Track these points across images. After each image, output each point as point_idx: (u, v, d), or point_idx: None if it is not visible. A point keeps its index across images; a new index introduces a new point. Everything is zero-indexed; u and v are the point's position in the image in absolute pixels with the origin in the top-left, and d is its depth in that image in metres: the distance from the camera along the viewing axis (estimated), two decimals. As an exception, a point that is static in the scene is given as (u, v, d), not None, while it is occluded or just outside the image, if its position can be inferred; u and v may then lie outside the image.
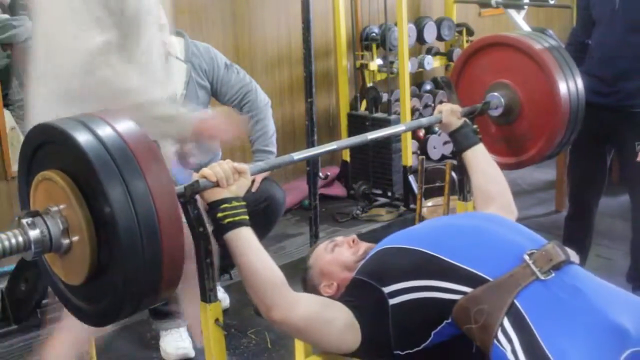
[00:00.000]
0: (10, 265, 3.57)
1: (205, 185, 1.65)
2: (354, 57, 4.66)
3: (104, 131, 1.46)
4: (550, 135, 2.43)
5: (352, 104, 4.66)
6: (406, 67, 4.36)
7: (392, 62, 4.49)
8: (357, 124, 4.53)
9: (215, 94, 3.16)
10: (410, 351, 1.74)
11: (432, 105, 4.88)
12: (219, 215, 1.65)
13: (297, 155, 1.89)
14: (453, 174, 3.30)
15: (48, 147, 1.52)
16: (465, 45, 5.03)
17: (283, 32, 4.51)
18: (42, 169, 1.51)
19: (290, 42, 4.53)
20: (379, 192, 4.57)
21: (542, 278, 1.61)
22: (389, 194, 4.52)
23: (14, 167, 3.63)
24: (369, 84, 4.63)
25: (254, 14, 4.38)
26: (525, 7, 4.95)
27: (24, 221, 1.45)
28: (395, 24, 4.42)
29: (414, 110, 4.70)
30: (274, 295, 1.68)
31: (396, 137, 4.37)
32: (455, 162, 2.88)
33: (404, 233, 1.87)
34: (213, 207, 1.66)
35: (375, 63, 4.61)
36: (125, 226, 1.40)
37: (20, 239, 1.45)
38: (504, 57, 2.49)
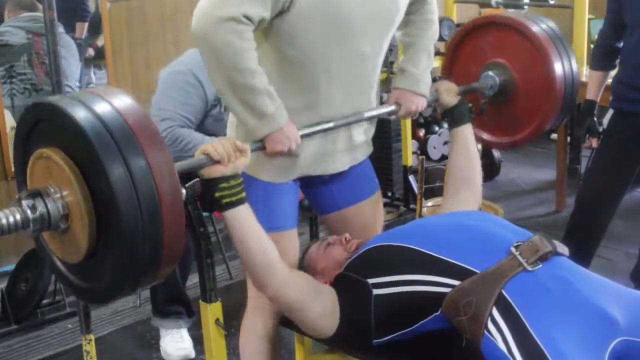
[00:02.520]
0: (10, 265, 3.57)
1: (205, 163, 1.66)
2: (354, 57, 4.65)
3: (103, 108, 1.43)
4: (544, 116, 2.44)
5: (352, 104, 4.65)
6: (406, 67, 4.35)
7: (392, 62, 4.49)
8: (357, 124, 4.53)
9: None
10: (391, 336, 1.77)
11: (432, 105, 4.87)
12: (217, 195, 1.66)
13: (300, 132, 1.88)
14: (453, 174, 3.30)
15: (45, 124, 1.50)
16: (465, 45, 5.04)
17: (283, 32, 4.51)
18: (40, 147, 1.49)
19: (290, 42, 4.53)
20: (379, 192, 4.57)
21: (529, 269, 1.64)
22: (389, 194, 4.51)
23: (14, 167, 3.62)
24: (369, 84, 4.63)
25: (254, 14, 4.38)
26: (526, 7, 4.95)
27: (24, 202, 1.44)
28: (396, 24, 4.41)
29: (414, 110, 4.69)
30: (267, 276, 1.77)
31: (396, 137, 4.37)
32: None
33: (390, 232, 1.91)
34: (211, 184, 1.67)
35: (375, 63, 4.60)
36: (125, 205, 1.37)
37: (19, 217, 1.44)
38: (499, 36, 2.49)
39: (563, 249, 1.73)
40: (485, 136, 2.61)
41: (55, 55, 2.64)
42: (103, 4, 3.79)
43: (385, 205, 4.48)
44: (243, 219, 1.71)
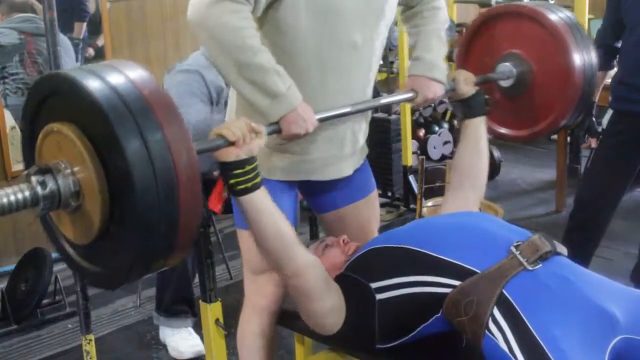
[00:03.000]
0: (10, 266, 3.57)
1: (220, 145, 1.60)
2: (354, 57, 4.65)
3: (118, 80, 1.34)
4: (562, 107, 2.35)
5: (352, 104, 4.65)
6: (406, 67, 4.35)
7: (392, 62, 4.49)
8: (357, 124, 4.53)
9: None
10: (395, 343, 1.76)
11: (432, 105, 4.87)
12: (232, 181, 1.61)
13: (317, 116, 1.84)
14: (453, 174, 3.30)
15: (56, 97, 1.41)
16: (466, 45, 5.03)
17: (283, 32, 4.51)
18: (50, 122, 1.40)
19: (290, 42, 4.53)
20: (379, 192, 4.55)
21: (530, 268, 1.64)
22: (389, 194, 4.51)
23: (14, 167, 3.63)
24: (369, 84, 4.63)
25: (254, 13, 4.38)
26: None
27: (34, 178, 1.36)
28: (396, 24, 4.41)
29: (414, 110, 4.69)
30: (284, 259, 1.72)
31: (396, 137, 4.37)
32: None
33: (390, 234, 1.90)
34: (226, 168, 1.61)
35: (375, 63, 4.60)
36: (141, 181, 1.29)
37: (28, 194, 1.35)
38: (516, 26, 2.41)
39: (562, 249, 1.74)
40: (504, 130, 2.51)
41: (56, 55, 2.64)
42: (103, 4, 3.79)
43: (385, 205, 4.49)
44: (259, 204, 1.65)
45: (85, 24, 3.78)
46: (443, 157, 4.83)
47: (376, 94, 4.51)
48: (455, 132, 4.86)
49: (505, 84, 2.39)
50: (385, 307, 1.74)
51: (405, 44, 4.33)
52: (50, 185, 1.35)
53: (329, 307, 1.76)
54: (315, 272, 1.75)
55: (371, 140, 4.78)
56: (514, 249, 1.67)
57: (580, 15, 4.22)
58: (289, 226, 1.72)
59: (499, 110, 2.39)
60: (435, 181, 3.58)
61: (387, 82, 4.51)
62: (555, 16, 2.34)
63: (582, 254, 2.89)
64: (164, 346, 3.07)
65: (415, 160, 4.37)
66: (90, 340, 2.38)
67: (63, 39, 3.59)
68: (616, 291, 1.69)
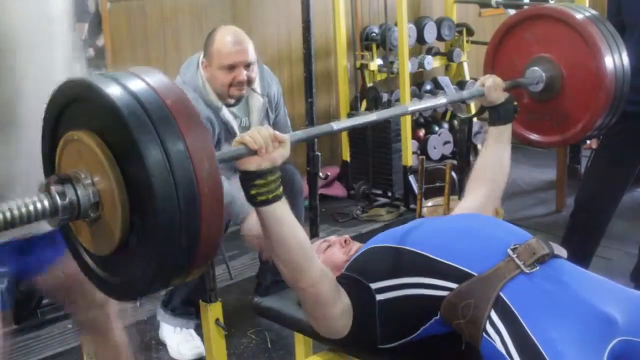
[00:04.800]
0: (10, 265, 3.57)
1: (243, 153, 1.56)
2: (354, 57, 4.66)
3: (140, 87, 1.32)
4: (594, 111, 2.30)
5: (352, 104, 4.65)
6: (406, 67, 4.36)
7: (392, 62, 4.49)
8: (357, 124, 4.53)
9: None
10: (395, 344, 1.77)
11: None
12: (252, 192, 1.57)
13: (337, 125, 1.81)
14: (453, 174, 3.30)
15: (77, 105, 1.38)
16: (466, 45, 5.04)
17: (283, 32, 4.51)
18: (70, 130, 1.38)
19: (290, 42, 4.53)
20: (379, 192, 4.57)
21: (527, 271, 1.64)
22: (389, 194, 4.52)
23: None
24: (369, 84, 4.63)
25: (254, 14, 4.38)
26: (525, 7, 4.95)
27: (53, 188, 1.33)
28: (395, 24, 4.42)
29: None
30: (304, 270, 1.69)
31: (396, 137, 4.37)
32: (455, 162, 2.87)
33: (390, 233, 1.90)
34: (247, 178, 1.57)
35: (376, 63, 4.61)
36: (162, 191, 1.26)
37: (47, 204, 1.32)
38: (544, 29, 2.36)
39: (561, 251, 1.73)
40: (534, 137, 2.46)
41: (55, 55, 2.64)
42: (103, 4, 3.79)
43: (385, 205, 4.50)
44: (279, 215, 1.62)
45: (87, 25, 3.78)
46: (443, 157, 4.83)
47: (376, 93, 4.52)
48: (455, 132, 4.86)
49: (535, 88, 2.35)
50: (385, 307, 1.74)
51: (405, 44, 4.33)
52: (70, 195, 1.33)
53: (340, 311, 1.76)
54: (328, 279, 1.74)
55: (371, 141, 4.81)
56: (511, 252, 1.67)
57: (580, 15, 4.22)
58: (307, 237, 1.71)
59: (528, 115, 2.35)
60: (435, 181, 3.58)
61: (387, 82, 4.51)
62: (584, 17, 2.29)
63: (582, 254, 2.89)
64: (164, 346, 3.07)
65: (415, 160, 4.38)
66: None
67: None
68: (616, 292, 1.69)
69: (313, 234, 3.08)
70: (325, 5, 4.56)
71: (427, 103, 2.13)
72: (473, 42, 5.12)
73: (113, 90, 1.30)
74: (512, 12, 4.89)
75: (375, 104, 4.52)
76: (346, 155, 4.67)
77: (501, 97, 2.16)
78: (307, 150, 3.38)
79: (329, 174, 3.83)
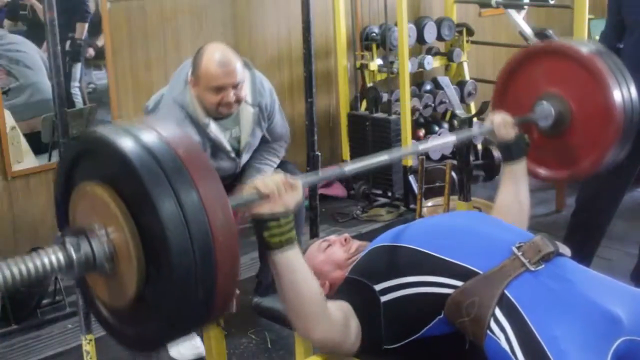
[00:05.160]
0: (10, 265, 3.57)
1: (256, 199, 1.56)
2: (354, 57, 4.66)
3: (150, 138, 1.32)
4: (604, 146, 2.29)
5: (352, 104, 4.65)
6: (406, 67, 4.36)
7: (392, 62, 4.49)
8: (357, 124, 4.53)
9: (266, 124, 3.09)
10: (400, 344, 1.76)
11: (432, 105, 4.87)
12: (266, 234, 1.56)
13: (348, 167, 1.82)
14: (453, 174, 3.30)
15: (89, 157, 1.40)
16: (466, 45, 5.04)
17: (283, 32, 4.51)
18: (83, 181, 1.39)
19: (290, 42, 4.53)
20: (379, 192, 4.57)
21: (532, 269, 1.64)
22: (389, 194, 4.52)
23: (14, 167, 3.63)
24: (369, 84, 4.63)
25: (254, 14, 4.38)
26: (526, 7, 4.95)
27: (68, 241, 1.33)
28: (395, 24, 4.42)
29: (414, 111, 4.70)
30: (316, 321, 1.66)
31: (396, 137, 4.37)
32: (455, 162, 2.87)
33: (395, 232, 1.89)
34: (260, 222, 1.56)
35: (375, 63, 4.61)
36: (177, 243, 1.25)
37: (62, 257, 1.32)
38: (552, 65, 2.37)
39: (565, 249, 1.74)
40: (543, 171, 2.46)
41: (56, 55, 2.64)
42: (103, 4, 3.79)
43: (385, 205, 4.50)
44: (293, 262, 1.60)
45: (87, 25, 3.78)
46: (443, 157, 4.83)
47: (376, 93, 4.52)
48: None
49: (544, 124, 2.34)
50: (390, 308, 1.74)
51: (405, 44, 4.33)
52: (85, 248, 1.33)
53: (353, 340, 1.73)
54: (338, 319, 1.70)
55: (371, 140, 4.81)
56: (516, 250, 1.67)
57: (580, 15, 4.22)
58: (319, 287, 1.67)
59: (537, 149, 2.34)
60: (435, 181, 3.58)
61: (387, 82, 4.51)
62: (590, 51, 2.29)
63: (583, 254, 2.88)
64: (164, 346, 3.07)
65: (415, 160, 4.38)
66: (90, 340, 2.39)
67: (33, 57, 3.61)
68: (621, 292, 1.69)
69: (313, 234, 3.08)
70: (325, 5, 4.55)
71: (437, 141, 2.15)
72: (473, 42, 5.12)
73: (125, 142, 1.30)
74: (512, 12, 4.90)
75: (375, 104, 4.52)
76: (346, 155, 4.66)
77: (511, 134, 2.15)
78: (307, 150, 3.38)
79: (329, 174, 3.83)
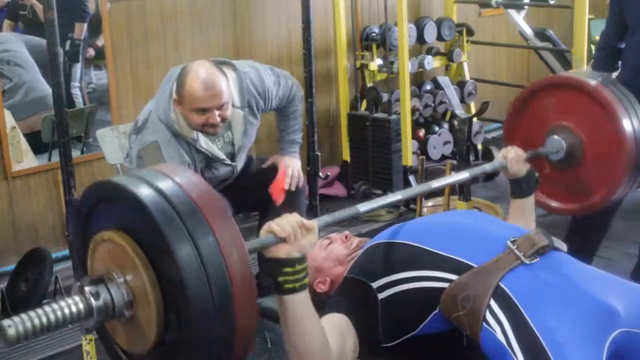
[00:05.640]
0: (10, 266, 3.57)
1: (272, 242, 1.54)
2: (354, 57, 4.66)
3: (166, 185, 1.35)
4: (615, 178, 2.30)
5: (352, 104, 4.65)
6: (406, 67, 4.36)
7: (392, 62, 4.49)
8: (357, 124, 4.53)
9: (264, 111, 3.07)
10: (397, 342, 1.76)
11: (432, 105, 4.87)
12: (280, 279, 1.54)
13: (363, 207, 1.82)
14: (453, 174, 3.30)
15: (105, 205, 1.42)
16: (466, 45, 5.03)
17: (283, 32, 4.51)
18: (100, 229, 1.41)
19: (290, 42, 4.53)
20: (379, 192, 4.57)
21: (527, 262, 1.65)
22: (389, 194, 4.51)
23: (14, 167, 3.63)
24: (369, 84, 4.63)
25: (254, 14, 4.38)
26: (525, 7, 4.95)
27: (87, 289, 1.34)
28: (396, 24, 4.42)
29: (414, 111, 4.70)
30: (314, 357, 1.63)
31: (396, 137, 4.37)
32: (455, 162, 2.87)
33: (392, 229, 1.90)
34: (275, 265, 1.54)
35: (376, 63, 4.61)
36: (194, 289, 1.26)
37: (82, 306, 1.34)
38: (561, 98, 2.38)
39: (561, 244, 1.75)
40: (555, 204, 2.46)
41: (55, 55, 2.64)
42: (103, 4, 3.79)
43: (385, 205, 4.49)
44: (302, 305, 1.57)
45: (86, 25, 3.78)
46: (443, 157, 4.83)
47: (376, 93, 4.52)
48: (455, 132, 4.85)
49: (555, 157, 2.35)
50: (387, 305, 1.75)
51: (405, 44, 4.33)
52: (104, 296, 1.35)
53: (352, 349, 1.73)
54: (335, 351, 1.67)
55: (371, 140, 4.82)
56: (510, 244, 1.68)
57: (580, 15, 4.22)
58: (323, 327, 1.65)
59: (548, 182, 2.34)
60: (435, 181, 3.57)
61: (387, 82, 4.51)
62: (597, 82, 2.29)
63: (584, 253, 2.88)
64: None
65: (415, 160, 4.37)
66: (90, 340, 2.39)
67: (25, 58, 3.60)
68: (616, 284, 1.70)
69: (313, 234, 3.07)
70: (325, 5, 4.55)
71: (451, 179, 2.14)
72: (473, 42, 5.12)
73: (140, 190, 1.33)
74: (512, 12, 4.90)
75: (375, 104, 4.52)
76: (346, 155, 4.67)
77: (523, 170, 2.15)
78: (307, 150, 3.38)
79: (329, 174, 3.83)
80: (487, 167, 2.20)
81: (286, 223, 1.55)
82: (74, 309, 1.33)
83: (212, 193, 1.38)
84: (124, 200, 1.35)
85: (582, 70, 2.79)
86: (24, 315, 1.31)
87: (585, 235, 3.05)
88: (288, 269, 1.54)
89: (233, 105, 2.82)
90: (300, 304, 1.57)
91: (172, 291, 1.30)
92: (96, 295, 1.34)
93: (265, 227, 1.57)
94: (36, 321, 1.32)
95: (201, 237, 1.29)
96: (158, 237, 1.28)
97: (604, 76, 2.39)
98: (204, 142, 2.82)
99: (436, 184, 1.98)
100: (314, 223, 1.61)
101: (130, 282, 1.35)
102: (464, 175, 2.11)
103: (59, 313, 1.32)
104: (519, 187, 2.17)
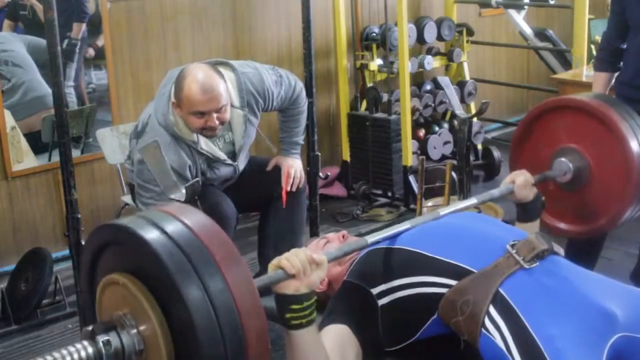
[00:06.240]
0: (10, 266, 3.57)
1: (282, 278, 1.54)
2: (354, 57, 4.66)
3: (174, 227, 1.33)
4: (623, 201, 2.30)
5: (352, 104, 4.65)
6: (406, 67, 4.35)
7: (392, 62, 4.49)
8: (357, 124, 4.53)
9: (265, 111, 3.07)
10: (397, 347, 1.76)
11: (432, 105, 4.87)
12: (287, 315, 1.55)
13: (371, 238, 1.81)
14: (453, 174, 3.30)
15: (113, 248, 1.41)
16: (466, 45, 5.03)
17: (283, 32, 4.51)
18: (109, 272, 1.39)
19: (290, 42, 4.53)
20: (379, 192, 4.57)
21: (526, 267, 1.65)
22: (389, 194, 4.51)
23: (14, 167, 3.63)
24: (369, 84, 4.63)
25: (254, 14, 4.38)
26: (525, 7, 4.95)
27: (99, 338, 1.33)
28: (396, 24, 4.42)
29: (414, 111, 4.70)
30: None
31: (396, 137, 4.37)
32: (455, 162, 2.87)
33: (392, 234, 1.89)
34: (282, 301, 1.55)
35: (376, 63, 4.61)
36: (205, 332, 1.25)
37: (92, 354, 1.32)
38: (569, 120, 2.38)
39: (559, 248, 1.75)
40: (563, 226, 2.46)
41: (55, 55, 2.64)
42: (103, 4, 3.79)
43: (385, 205, 4.50)
44: (307, 339, 1.57)
45: (84, 25, 3.78)
46: (443, 157, 4.83)
47: (376, 93, 4.52)
48: (455, 132, 4.85)
49: (562, 179, 2.34)
50: (387, 312, 1.74)
51: (405, 44, 4.33)
52: (115, 344, 1.34)
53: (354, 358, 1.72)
54: None
55: (371, 140, 4.81)
56: (510, 248, 1.67)
57: (580, 15, 4.22)
58: (327, 356, 1.64)
59: (555, 203, 2.33)
60: (435, 181, 3.57)
61: (387, 82, 4.51)
62: (600, 102, 2.28)
63: (587, 255, 2.88)
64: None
65: (415, 160, 4.37)
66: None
67: (23, 56, 3.58)
68: (616, 289, 1.70)
69: (313, 234, 3.09)
70: (325, 5, 4.55)
71: (459, 205, 2.08)
72: (473, 42, 5.12)
73: (149, 233, 1.31)
74: (512, 12, 4.90)
75: (375, 104, 4.52)
76: (346, 155, 4.66)
77: (530, 195, 2.15)
78: (307, 150, 3.38)
79: (329, 174, 3.83)
80: (495, 192, 2.18)
81: (295, 259, 1.55)
82: (83, 354, 1.31)
83: (221, 235, 1.37)
84: (133, 244, 1.33)
85: (588, 92, 2.79)
86: None
87: (588, 239, 3.06)
88: (295, 306, 1.54)
89: (232, 106, 2.82)
90: (305, 338, 1.56)
91: (183, 336, 1.29)
92: (107, 342, 1.33)
93: (274, 262, 1.56)
94: None
95: (211, 281, 1.28)
96: (169, 283, 1.27)
97: (607, 96, 2.38)
98: (204, 144, 2.82)
99: (444, 211, 1.96)
100: (324, 258, 1.61)
101: (141, 328, 1.33)
102: (471, 201, 2.10)
103: (68, 359, 1.30)
104: (524, 212, 2.16)
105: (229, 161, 2.93)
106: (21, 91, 3.62)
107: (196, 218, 1.38)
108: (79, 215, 2.75)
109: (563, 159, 2.33)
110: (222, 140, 2.92)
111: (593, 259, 3.03)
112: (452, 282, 1.66)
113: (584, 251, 2.89)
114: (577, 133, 2.34)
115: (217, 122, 2.72)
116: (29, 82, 3.63)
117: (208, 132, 2.76)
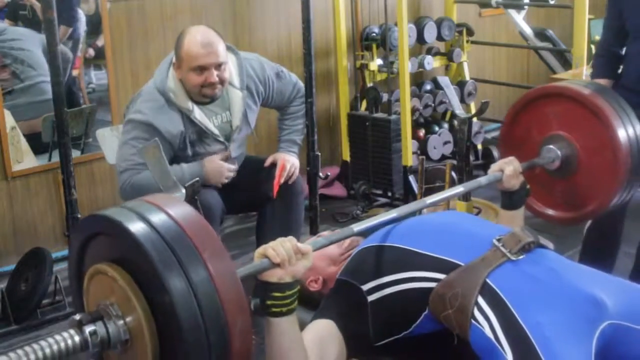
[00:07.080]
0: (10, 266, 3.57)
1: (267, 266, 1.55)
2: (354, 57, 4.66)
3: (158, 218, 1.37)
4: (610, 188, 2.31)
5: (352, 104, 4.65)
6: (406, 67, 4.36)
7: (392, 62, 4.49)
8: (357, 124, 4.53)
9: (264, 105, 3.11)
10: (389, 340, 1.77)
11: (432, 105, 4.87)
12: (268, 302, 1.56)
13: (357, 227, 1.84)
14: (453, 174, 3.30)
15: (99, 238, 1.45)
16: (466, 45, 5.04)
17: (283, 32, 4.51)
18: (96, 261, 1.43)
19: (290, 42, 4.53)
20: (379, 192, 4.57)
21: (513, 259, 1.67)
22: (389, 194, 4.51)
23: (14, 167, 3.63)
24: (369, 84, 4.63)
25: (254, 14, 4.38)
26: (526, 7, 4.95)
27: (85, 328, 1.37)
28: (396, 24, 4.42)
29: (414, 110, 4.70)
30: None
31: (396, 137, 4.37)
32: (455, 162, 2.87)
33: (383, 232, 1.92)
34: (264, 288, 1.56)
35: (376, 63, 4.61)
36: (188, 321, 1.29)
37: (78, 342, 1.36)
38: (557, 108, 2.39)
39: (547, 243, 1.77)
40: (550, 212, 2.48)
41: (55, 55, 2.65)
42: (103, 4, 3.79)
43: (385, 205, 4.49)
44: (286, 328, 1.59)
45: (70, 30, 3.75)
46: (443, 157, 4.83)
47: (376, 93, 4.52)
48: (455, 132, 4.86)
49: (551, 167, 2.36)
50: (377, 307, 1.76)
51: (405, 44, 4.33)
52: (100, 331, 1.37)
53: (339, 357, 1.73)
54: None
55: (371, 140, 4.81)
56: (496, 242, 1.71)
57: (580, 15, 4.22)
58: (306, 352, 1.66)
59: (543, 190, 2.35)
60: (435, 181, 3.57)
61: (387, 82, 4.51)
62: (599, 97, 2.29)
63: (603, 258, 2.89)
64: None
65: (415, 160, 4.37)
66: None
67: (22, 32, 3.58)
68: (604, 279, 1.73)
69: (313, 234, 3.09)
70: (325, 5, 4.56)
71: (446, 194, 2.13)
72: (473, 42, 5.12)
73: (133, 225, 1.34)
74: (512, 12, 4.90)
75: (375, 104, 4.52)
76: (346, 155, 4.66)
77: (517, 185, 2.18)
78: (307, 150, 3.39)
79: (329, 174, 3.83)
80: (483, 180, 2.21)
81: (281, 248, 1.56)
82: (70, 344, 1.35)
83: (205, 227, 1.40)
84: (118, 235, 1.37)
85: (577, 79, 2.79)
86: (20, 352, 1.30)
87: (600, 239, 3.06)
88: (277, 294, 1.55)
89: (232, 85, 2.85)
90: (285, 327, 1.58)
91: (167, 324, 1.32)
92: (93, 331, 1.36)
93: (260, 250, 1.58)
94: (32, 357, 1.30)
95: (195, 271, 1.31)
96: (153, 272, 1.30)
97: (598, 85, 2.39)
98: (198, 114, 2.85)
99: (430, 200, 2.00)
100: (309, 248, 1.62)
101: (126, 317, 1.37)
102: (459, 189, 2.14)
103: (55, 348, 1.33)
104: (509, 200, 2.21)
105: (221, 138, 2.93)
106: (31, 93, 3.63)
107: (181, 210, 1.40)
108: (79, 215, 2.76)
109: (552, 147, 2.35)
110: (220, 118, 2.93)
111: (609, 261, 3.02)
112: (441, 276, 1.68)
113: (600, 255, 2.89)
114: (566, 120, 2.36)
115: (217, 79, 2.74)
116: (39, 85, 3.63)
117: (208, 90, 2.78)
